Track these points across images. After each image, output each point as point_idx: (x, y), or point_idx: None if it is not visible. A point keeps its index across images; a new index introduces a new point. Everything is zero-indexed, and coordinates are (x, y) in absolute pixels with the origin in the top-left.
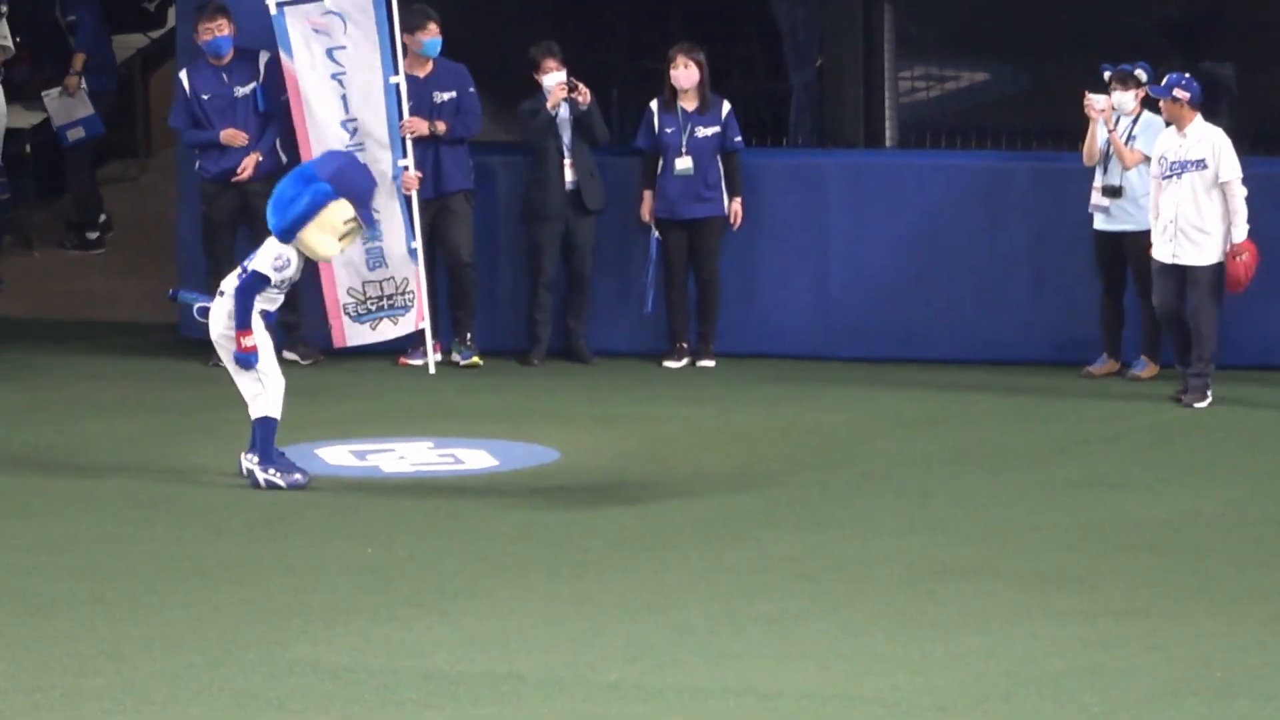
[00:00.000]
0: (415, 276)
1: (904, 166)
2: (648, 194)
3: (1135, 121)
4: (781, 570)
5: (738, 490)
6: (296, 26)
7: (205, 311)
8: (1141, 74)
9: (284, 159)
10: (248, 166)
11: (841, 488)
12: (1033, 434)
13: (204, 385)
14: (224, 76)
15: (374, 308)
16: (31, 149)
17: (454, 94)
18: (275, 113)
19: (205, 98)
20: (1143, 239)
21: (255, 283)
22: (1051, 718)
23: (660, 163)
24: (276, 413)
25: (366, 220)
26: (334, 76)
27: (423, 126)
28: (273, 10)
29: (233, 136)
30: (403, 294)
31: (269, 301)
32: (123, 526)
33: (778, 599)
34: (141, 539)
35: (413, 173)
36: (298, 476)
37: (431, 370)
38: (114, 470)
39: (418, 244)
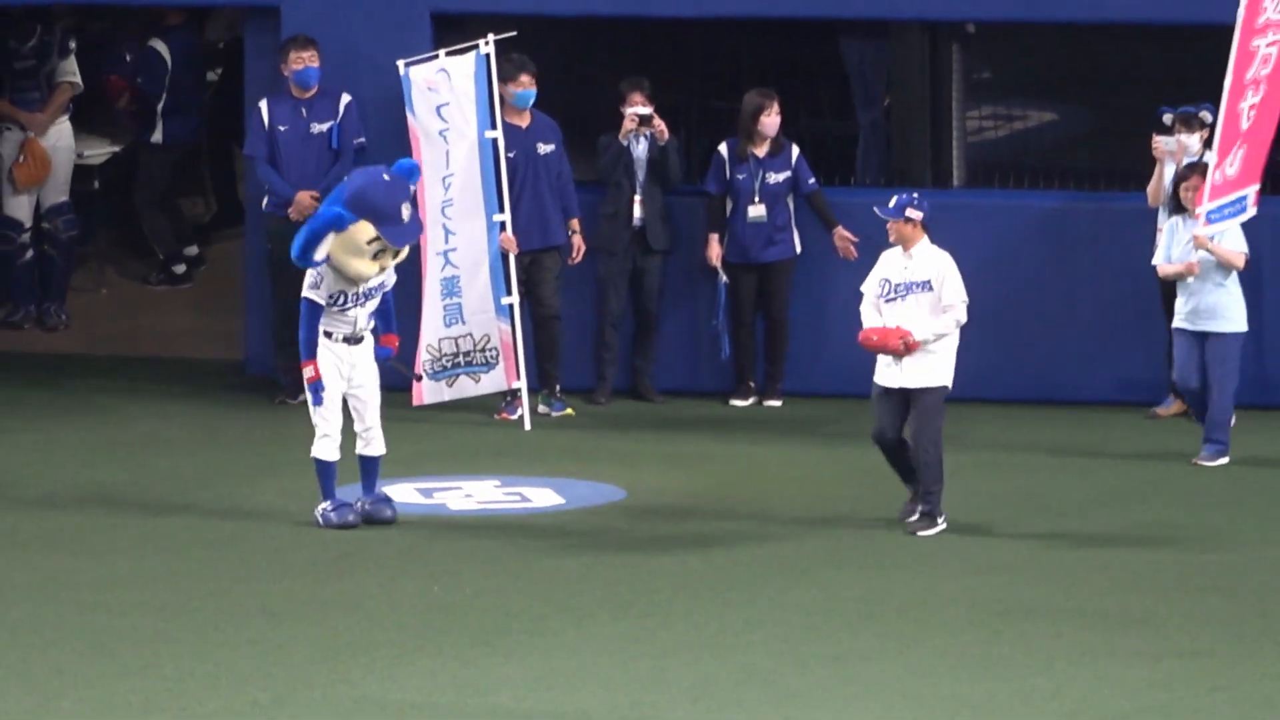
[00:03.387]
0: (500, 333)
1: (971, 206)
2: (714, 238)
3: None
4: (846, 610)
5: (803, 530)
6: (419, 85)
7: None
8: (1206, 115)
9: None
10: (301, 207)
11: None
12: (1098, 475)
13: (271, 423)
14: (303, 111)
15: (449, 364)
16: (101, 184)
17: (554, 146)
18: (346, 153)
19: (282, 129)
20: None
21: (307, 310)
22: None
23: (730, 207)
24: (325, 455)
25: (390, 237)
26: (440, 133)
27: (511, 245)
28: (401, 71)
29: (303, 203)
30: (482, 350)
31: (344, 324)
32: (189, 564)
33: (843, 639)
34: (207, 576)
35: (510, 232)
36: (350, 518)
37: (527, 426)
38: (180, 508)
39: (512, 299)
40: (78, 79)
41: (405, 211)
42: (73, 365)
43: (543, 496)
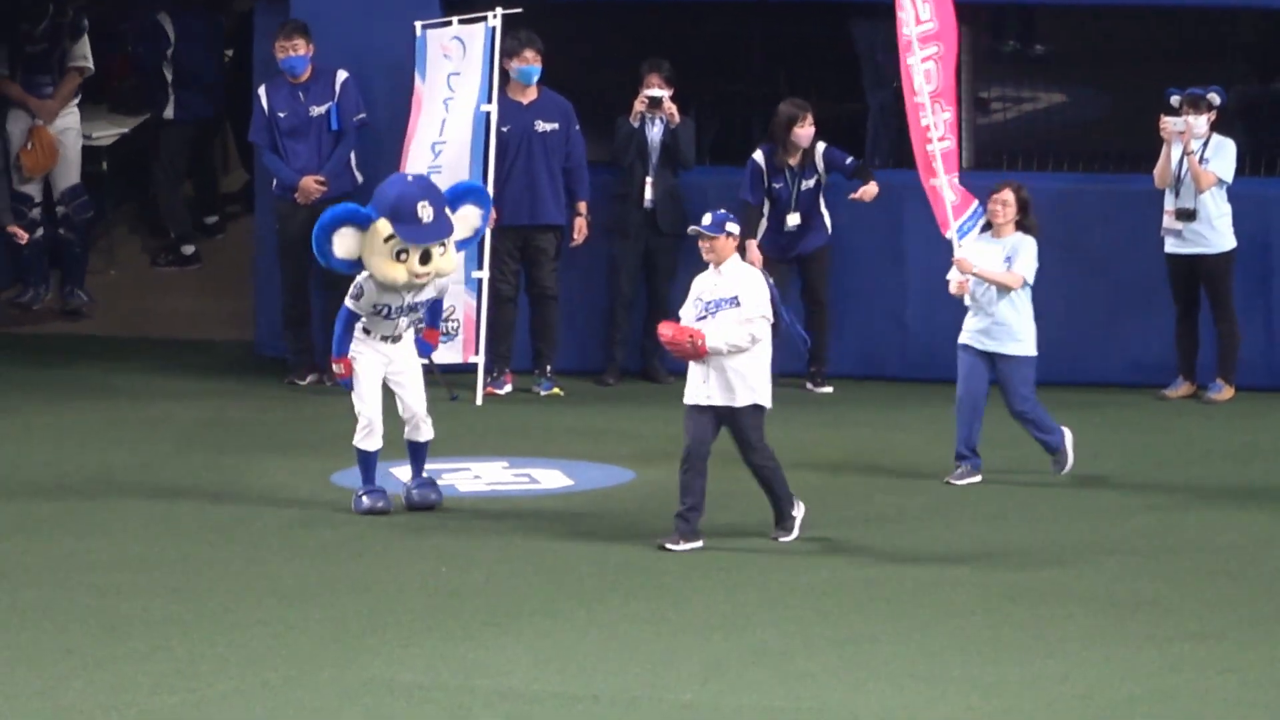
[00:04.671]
0: (465, 306)
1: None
2: (752, 244)
3: (1206, 144)
4: (857, 592)
5: (813, 512)
6: (434, 50)
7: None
8: (1214, 97)
9: (359, 178)
10: (306, 192)
11: (918, 510)
12: (1108, 458)
13: (281, 404)
14: (300, 95)
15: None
16: (109, 166)
17: (557, 125)
18: (349, 132)
19: (281, 115)
20: (1216, 261)
21: (344, 315)
22: None
23: (767, 210)
24: (362, 445)
25: (405, 235)
26: (444, 101)
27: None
28: (418, 33)
29: (309, 188)
30: (446, 320)
31: (387, 327)
32: (199, 546)
33: (853, 621)
34: (217, 558)
35: (494, 205)
36: (381, 504)
37: (478, 402)
38: (190, 490)
39: (482, 274)
40: (89, 63)
41: (423, 211)
42: (82, 347)
43: (551, 478)
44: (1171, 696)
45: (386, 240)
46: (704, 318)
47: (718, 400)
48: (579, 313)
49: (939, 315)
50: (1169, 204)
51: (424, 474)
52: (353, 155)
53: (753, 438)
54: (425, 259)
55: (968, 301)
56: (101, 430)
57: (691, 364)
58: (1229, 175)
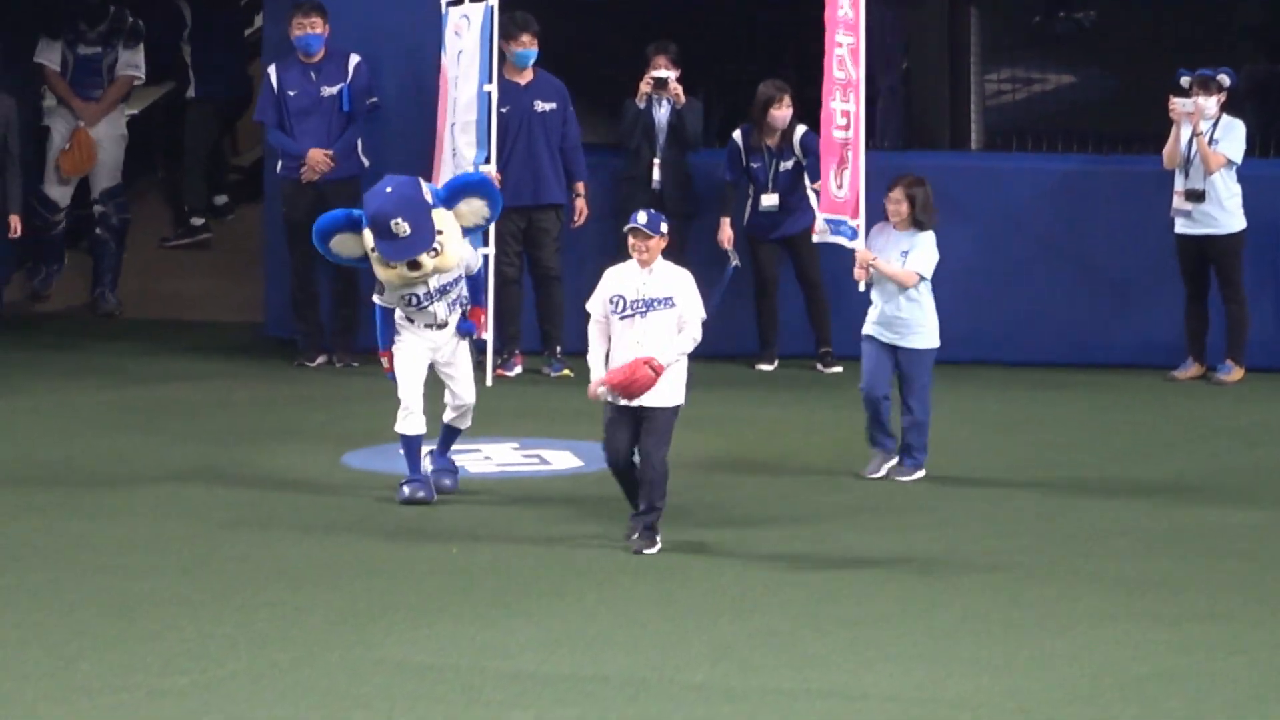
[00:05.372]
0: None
1: (988, 169)
2: (725, 221)
3: (1215, 125)
4: (866, 573)
5: (822, 493)
6: (451, 27)
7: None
8: (1224, 78)
9: (365, 162)
10: (313, 166)
11: (925, 491)
12: (1117, 439)
13: (290, 385)
14: (312, 75)
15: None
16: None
17: (554, 105)
18: (359, 115)
19: (291, 94)
20: (1226, 242)
21: (379, 310)
22: None
23: (749, 191)
24: (404, 429)
25: (382, 250)
26: (454, 79)
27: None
28: (443, 9)
29: (316, 160)
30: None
31: (425, 315)
32: (208, 527)
33: (862, 602)
34: (226, 539)
35: (493, 171)
36: (421, 494)
37: (488, 384)
38: (199, 471)
39: (486, 251)
40: (140, 72)
41: (397, 228)
42: (92, 328)
43: (562, 459)
44: (1181, 677)
45: (373, 249)
46: (629, 316)
47: (644, 401)
48: (587, 295)
49: (943, 297)
50: (1178, 185)
51: (446, 457)
52: (360, 140)
53: (663, 438)
54: (414, 265)
55: (874, 296)
56: (111, 412)
57: (606, 363)
58: (1238, 156)
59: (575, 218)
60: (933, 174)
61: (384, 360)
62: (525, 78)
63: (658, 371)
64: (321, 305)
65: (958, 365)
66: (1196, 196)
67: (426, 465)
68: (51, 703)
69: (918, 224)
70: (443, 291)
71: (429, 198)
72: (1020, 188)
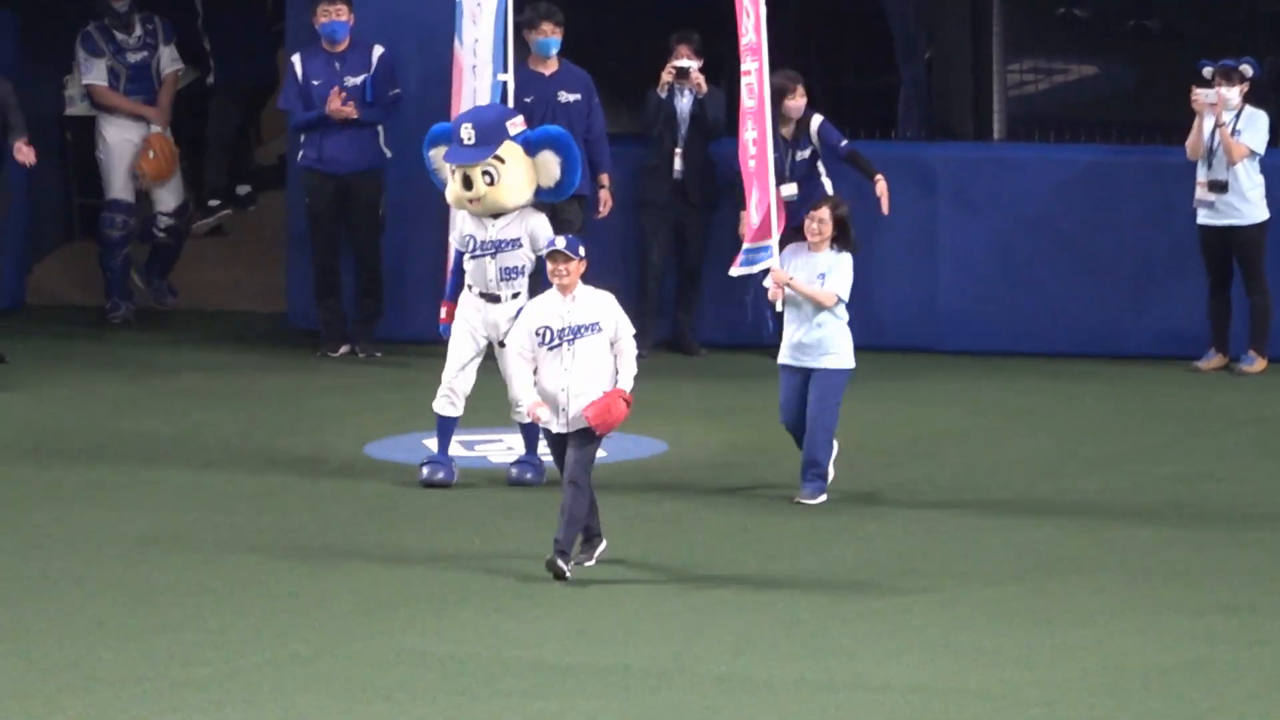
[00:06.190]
0: None
1: (1011, 159)
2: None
3: (1238, 116)
4: (888, 564)
5: (844, 483)
6: (466, 14)
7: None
8: (1247, 69)
9: (388, 154)
10: (333, 106)
11: (947, 482)
12: (1140, 428)
13: (312, 375)
14: (336, 65)
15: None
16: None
17: (579, 96)
18: (382, 106)
19: (315, 83)
20: (1248, 233)
21: (454, 255)
22: (1157, 712)
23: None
24: (439, 410)
25: (447, 154)
26: (472, 68)
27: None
28: None
29: (339, 108)
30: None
31: (479, 276)
32: (231, 517)
33: (884, 592)
34: (249, 529)
35: None
36: (440, 476)
37: None
38: (222, 461)
39: None
40: (180, 65)
41: (465, 132)
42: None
43: None
44: (1204, 667)
45: (445, 158)
46: (557, 346)
47: (576, 426)
48: (608, 285)
49: (967, 288)
50: (1201, 176)
51: (528, 453)
52: (381, 131)
53: (587, 456)
54: (468, 183)
55: (786, 320)
56: (133, 401)
57: (544, 399)
58: (1261, 147)
59: (600, 208)
60: (955, 164)
61: (442, 310)
62: (549, 68)
63: (629, 403)
64: (344, 295)
65: (981, 356)
66: (1219, 187)
67: (456, 449)
68: (74, 693)
69: (839, 244)
70: (498, 248)
71: (511, 130)
72: (1043, 178)
